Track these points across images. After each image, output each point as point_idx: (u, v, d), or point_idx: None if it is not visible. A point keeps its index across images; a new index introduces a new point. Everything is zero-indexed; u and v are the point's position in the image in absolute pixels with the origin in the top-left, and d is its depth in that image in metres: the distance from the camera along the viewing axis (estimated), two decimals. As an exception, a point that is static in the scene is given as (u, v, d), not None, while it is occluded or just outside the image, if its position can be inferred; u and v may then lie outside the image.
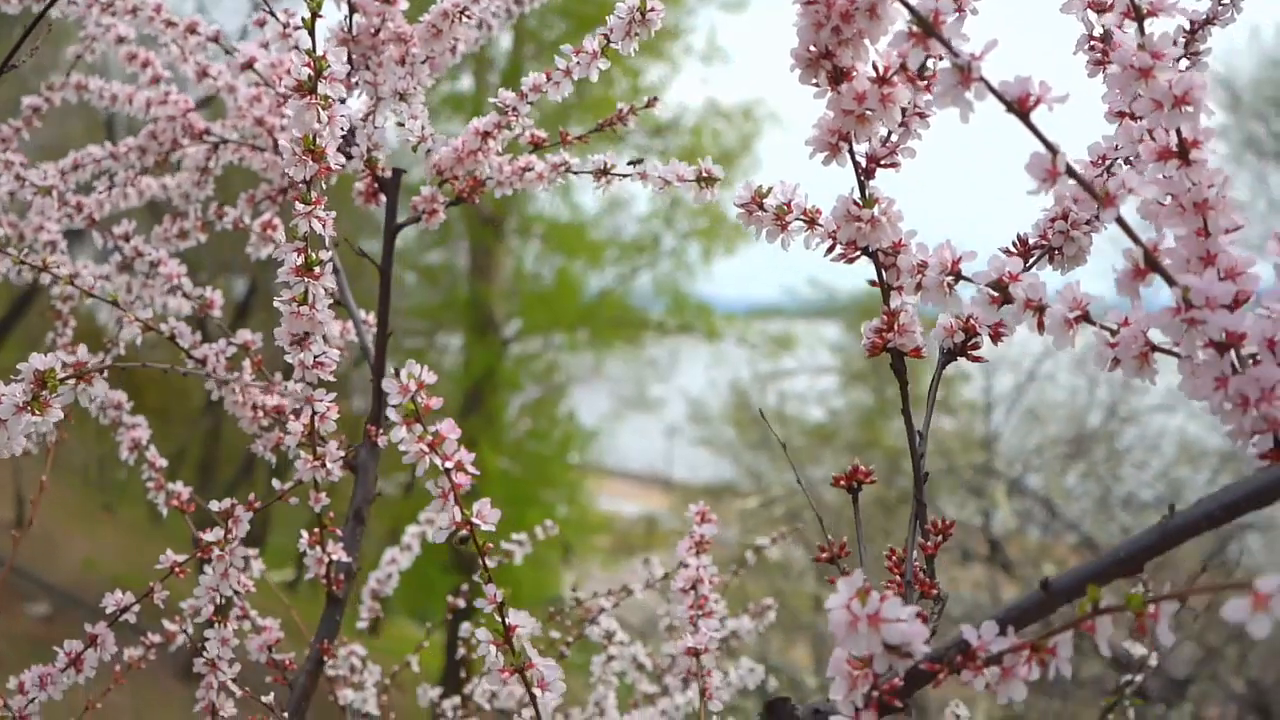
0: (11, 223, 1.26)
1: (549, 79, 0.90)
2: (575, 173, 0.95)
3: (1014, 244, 0.66)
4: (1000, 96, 0.49)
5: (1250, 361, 0.51)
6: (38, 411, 0.65)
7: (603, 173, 0.93)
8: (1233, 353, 0.51)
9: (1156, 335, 0.53)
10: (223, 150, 1.18)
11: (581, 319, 11.43)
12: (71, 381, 0.65)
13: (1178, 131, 0.52)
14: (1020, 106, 0.49)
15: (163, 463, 1.08)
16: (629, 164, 0.93)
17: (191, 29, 1.07)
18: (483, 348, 10.88)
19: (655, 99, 0.99)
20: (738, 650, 1.50)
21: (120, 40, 1.17)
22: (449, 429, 0.61)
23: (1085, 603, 0.47)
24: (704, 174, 0.83)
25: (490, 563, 1.22)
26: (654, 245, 11.81)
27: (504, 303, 11.45)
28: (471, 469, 0.61)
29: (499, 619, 0.63)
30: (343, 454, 0.89)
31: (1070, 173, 0.49)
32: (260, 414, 0.99)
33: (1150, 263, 0.50)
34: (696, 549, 0.95)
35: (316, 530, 0.94)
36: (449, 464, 0.60)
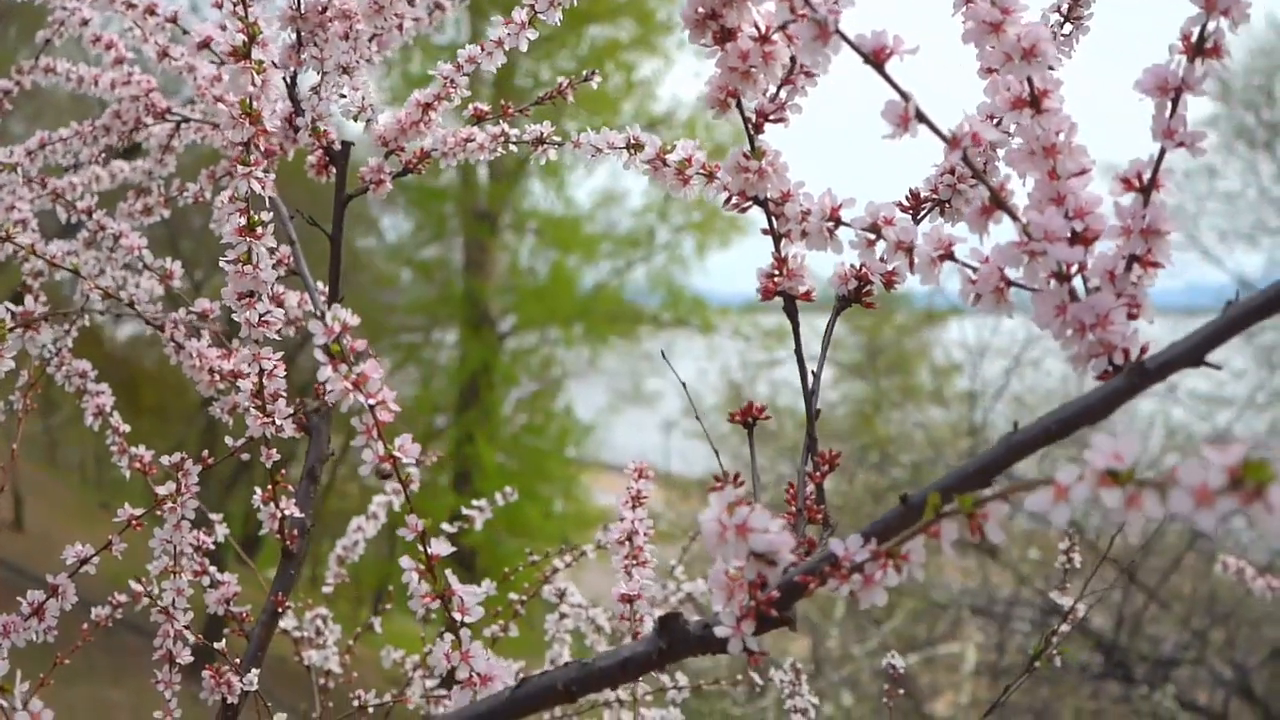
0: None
1: (483, 49, 0.95)
2: (514, 143, 1.00)
3: (906, 197, 0.71)
4: (857, 49, 0.53)
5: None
6: (-12, 361, 0.69)
7: (539, 141, 0.98)
8: (1080, 283, 0.56)
9: (1013, 273, 0.58)
10: (185, 129, 1.22)
11: (577, 313, 11.48)
12: (19, 330, 0.69)
13: (1029, 81, 0.56)
14: (876, 58, 0.54)
15: (126, 428, 1.12)
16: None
17: (150, 10, 1.11)
18: (478, 343, 10.93)
19: (594, 72, 1.03)
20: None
21: (85, 23, 1.21)
22: (372, 369, 0.65)
23: (929, 510, 0.51)
24: (632, 141, 0.87)
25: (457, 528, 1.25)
26: (648, 239, 11.86)
27: (499, 298, 11.50)
28: (394, 406, 0.66)
29: (422, 549, 0.67)
30: (291, 411, 0.93)
31: (920, 118, 0.53)
32: (216, 378, 1.03)
33: (996, 201, 0.54)
34: (633, 503, 0.99)
35: (270, 487, 0.99)
36: (373, 401, 0.65)
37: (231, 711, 0.98)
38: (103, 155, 1.21)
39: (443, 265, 11.76)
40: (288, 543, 1.01)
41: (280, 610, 1.01)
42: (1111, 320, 0.53)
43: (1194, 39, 0.55)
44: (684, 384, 1.07)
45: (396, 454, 0.66)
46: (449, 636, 0.67)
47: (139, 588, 1.14)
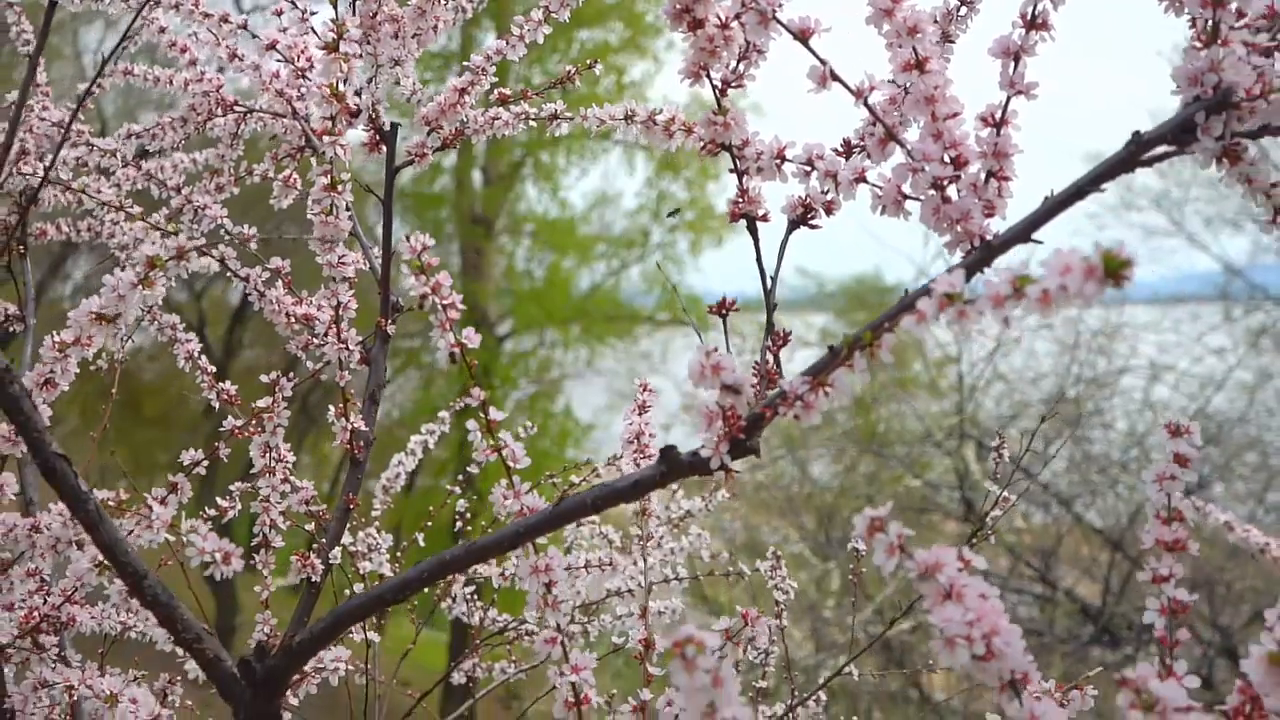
0: (73, 189, 1.52)
1: (508, 42, 1.17)
2: (533, 119, 1.22)
3: (841, 143, 0.93)
4: (789, 30, 0.76)
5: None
6: (147, 287, 0.91)
7: (554, 117, 1.20)
8: (953, 191, 0.78)
9: (907, 189, 0.80)
10: (249, 119, 1.44)
11: (574, 314, 11.71)
12: (174, 261, 0.91)
13: (914, 50, 0.79)
14: (803, 36, 0.76)
15: (212, 369, 1.34)
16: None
17: (224, 19, 1.33)
18: (477, 346, 11.13)
19: (595, 61, 1.25)
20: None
21: (162, 30, 1.43)
22: (445, 278, 0.87)
23: (845, 349, 0.73)
24: (629, 113, 1.10)
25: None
26: (643, 239, 12.10)
27: (496, 301, 11.72)
28: (460, 305, 0.88)
29: (483, 416, 0.89)
30: (361, 339, 1.15)
31: (834, 77, 0.76)
32: (291, 320, 1.25)
33: (889, 135, 0.77)
34: (639, 410, 1.22)
35: (341, 404, 1.21)
36: (445, 302, 0.87)
37: (315, 589, 1.20)
38: (181, 143, 1.43)
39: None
40: (355, 452, 1.23)
41: (350, 507, 1.23)
42: (971, 216, 0.75)
43: (1029, 16, 0.77)
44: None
45: (464, 341, 0.88)
46: (503, 481, 0.90)
47: (225, 504, 1.36)
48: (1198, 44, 0.69)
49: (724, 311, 0.90)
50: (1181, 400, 7.81)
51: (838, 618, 6.11)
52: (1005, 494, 1.38)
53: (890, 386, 9.48)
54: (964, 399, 6.85)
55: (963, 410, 6.67)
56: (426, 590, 1.70)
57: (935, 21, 0.91)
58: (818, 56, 0.76)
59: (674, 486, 1.84)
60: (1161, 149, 0.70)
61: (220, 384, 1.31)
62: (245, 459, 1.19)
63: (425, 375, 11.82)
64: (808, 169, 0.84)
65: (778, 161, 0.86)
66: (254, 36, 1.34)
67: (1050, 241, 0.78)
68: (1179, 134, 0.69)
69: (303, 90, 1.32)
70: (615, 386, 12.84)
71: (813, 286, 11.32)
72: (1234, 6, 0.69)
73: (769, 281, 0.90)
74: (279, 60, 1.34)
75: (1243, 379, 8.14)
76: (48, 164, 1.34)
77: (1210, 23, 0.69)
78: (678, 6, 0.82)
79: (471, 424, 0.89)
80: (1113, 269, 0.53)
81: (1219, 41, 0.69)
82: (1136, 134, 0.70)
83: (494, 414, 0.89)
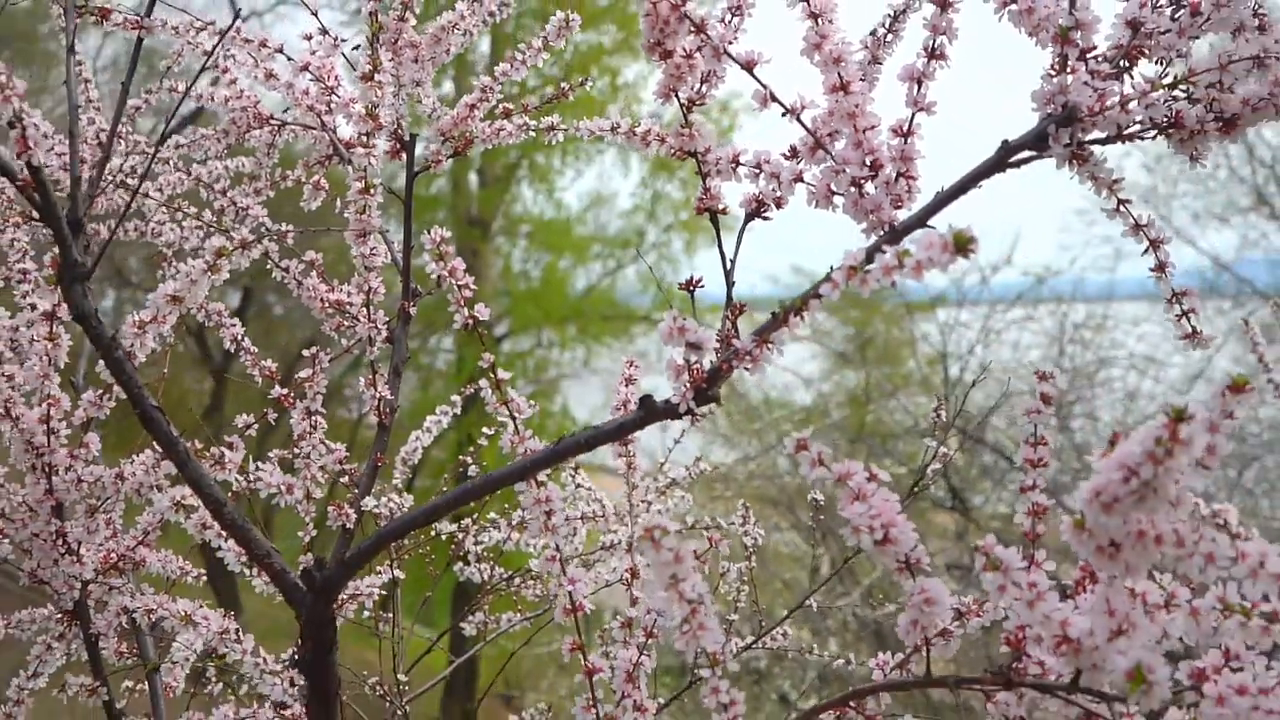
0: (140, 193, 1.71)
1: (511, 65, 1.37)
2: (533, 130, 1.42)
3: (789, 148, 1.12)
4: (736, 60, 0.95)
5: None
6: (214, 273, 1.11)
7: (551, 128, 1.40)
8: (870, 187, 0.98)
9: (835, 186, 1.00)
10: (283, 131, 1.63)
11: (570, 314, 11.89)
12: (239, 250, 1.10)
13: (839, 75, 0.98)
14: (748, 65, 0.96)
15: (254, 349, 1.54)
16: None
17: (263, 44, 1.53)
18: (474, 347, 11.32)
19: (587, 79, 1.45)
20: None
21: (206, 54, 1.63)
22: (459, 263, 1.07)
23: (782, 314, 0.93)
24: (614, 125, 1.29)
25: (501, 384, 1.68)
26: (638, 239, 12.29)
27: (494, 302, 11.92)
28: (472, 286, 1.07)
29: (493, 375, 1.09)
30: (388, 319, 1.35)
31: (773, 98, 0.95)
32: (325, 305, 1.45)
33: (818, 144, 0.97)
34: (626, 383, 1.41)
35: (370, 376, 1.41)
36: (460, 283, 1.07)
37: (349, 535, 1.40)
38: (225, 151, 1.62)
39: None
40: (383, 419, 1.43)
41: (378, 465, 1.43)
42: (882, 208, 0.95)
43: (930, 48, 0.97)
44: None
45: (476, 314, 1.08)
46: (510, 428, 1.09)
47: (268, 467, 1.54)
48: (1051, 72, 0.89)
49: (691, 289, 1.10)
50: (1165, 391, 8.02)
51: (829, 603, 6.30)
52: (946, 450, 1.58)
53: (884, 383, 9.69)
54: (948, 391, 7.05)
55: (948, 400, 6.87)
56: (444, 537, 1.89)
57: (866, 47, 1.11)
58: (760, 82, 0.96)
59: (661, 460, 2.04)
60: (1025, 154, 0.90)
61: (262, 362, 1.50)
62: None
63: (424, 376, 12.00)
64: (758, 171, 1.03)
65: (733, 165, 1.05)
66: (289, 59, 1.54)
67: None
68: (1036, 142, 0.89)
69: (331, 104, 1.51)
70: (612, 385, 12.92)
71: (807, 284, 11.49)
72: (1079, 44, 0.89)
73: (728, 263, 1.10)
74: (311, 79, 1.53)
75: (1230, 371, 8.32)
76: (140, 174, 1.53)
77: (1060, 55, 0.89)
78: (651, 40, 1.02)
79: (484, 382, 1.09)
80: (961, 244, 0.73)
81: (1067, 70, 0.88)
82: (1005, 142, 0.90)
83: (502, 374, 1.09)
